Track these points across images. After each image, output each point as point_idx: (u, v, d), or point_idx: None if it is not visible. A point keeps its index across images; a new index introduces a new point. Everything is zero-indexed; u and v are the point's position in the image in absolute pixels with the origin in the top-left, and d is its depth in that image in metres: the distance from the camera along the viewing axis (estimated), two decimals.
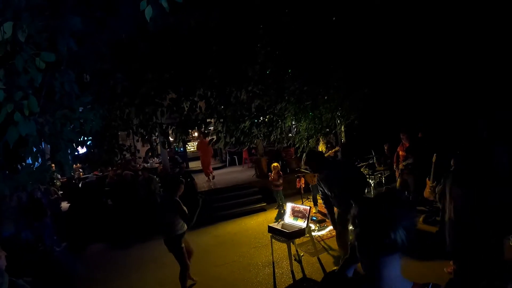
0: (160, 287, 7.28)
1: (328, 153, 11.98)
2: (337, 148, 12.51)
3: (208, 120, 8.07)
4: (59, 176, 12.79)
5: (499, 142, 6.31)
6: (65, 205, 12.48)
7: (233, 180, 14.63)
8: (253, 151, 17.43)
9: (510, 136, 7.94)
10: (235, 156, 19.36)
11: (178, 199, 6.35)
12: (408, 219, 1.58)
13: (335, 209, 6.50)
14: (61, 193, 12.41)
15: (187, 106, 7.69)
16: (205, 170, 15.85)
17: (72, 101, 4.19)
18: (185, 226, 6.39)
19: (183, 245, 6.37)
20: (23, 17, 2.65)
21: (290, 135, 12.27)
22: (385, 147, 11.09)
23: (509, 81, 9.51)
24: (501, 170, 5.66)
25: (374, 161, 11.71)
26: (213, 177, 15.65)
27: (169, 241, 6.33)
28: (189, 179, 13.28)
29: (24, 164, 4.27)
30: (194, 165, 20.49)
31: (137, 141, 7.88)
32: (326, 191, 6.40)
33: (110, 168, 12.21)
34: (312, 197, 11.43)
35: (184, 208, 6.31)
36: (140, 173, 12.74)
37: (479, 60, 9.97)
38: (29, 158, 4.00)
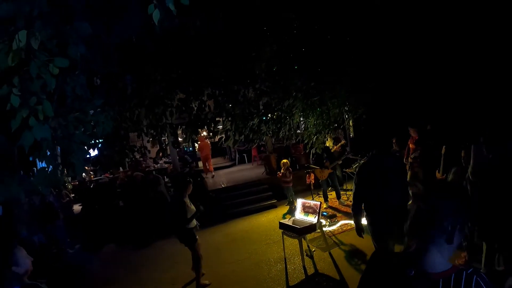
0: (171, 286, 7.34)
1: (335, 148, 12.03)
2: (343, 142, 12.53)
3: (217, 119, 8.13)
4: (69, 180, 12.93)
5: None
6: (77, 207, 12.63)
7: (243, 178, 14.68)
8: (262, 148, 17.48)
9: None
10: (244, 154, 19.40)
11: (186, 199, 6.58)
12: (464, 214, 1.73)
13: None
14: (72, 196, 12.57)
15: (195, 106, 7.75)
16: (204, 168, 16.01)
17: (84, 104, 4.28)
18: (194, 222, 6.67)
19: (197, 237, 6.63)
20: (36, 25, 2.73)
21: (298, 131, 12.28)
22: (393, 141, 11.07)
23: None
24: None
25: None
26: (213, 176, 15.76)
27: (182, 234, 6.58)
28: (199, 179, 13.37)
29: (35, 168, 4.36)
30: None
31: (148, 141, 7.97)
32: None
33: (121, 170, 12.33)
34: (323, 192, 11.52)
35: (192, 207, 6.59)
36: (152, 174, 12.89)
37: (488, 55, 9.91)
38: (43, 161, 4.08)
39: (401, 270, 1.75)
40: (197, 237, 6.68)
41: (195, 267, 6.80)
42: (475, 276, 1.64)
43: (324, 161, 10.79)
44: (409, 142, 9.69)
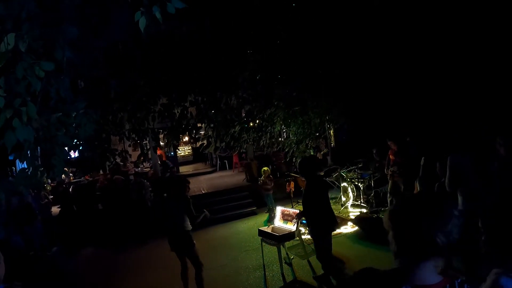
0: None
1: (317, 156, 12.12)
2: (325, 150, 12.61)
3: (198, 125, 8.16)
4: (49, 181, 12.77)
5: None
6: (55, 209, 12.47)
7: (224, 185, 14.70)
8: (243, 155, 17.52)
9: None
10: (226, 161, 19.41)
11: (188, 197, 6.45)
12: (448, 224, 1.65)
13: None
14: (51, 198, 12.41)
15: (178, 112, 7.78)
16: None
17: (67, 107, 4.28)
18: (190, 226, 6.46)
19: (194, 241, 6.40)
20: (23, 28, 2.76)
21: (280, 139, 12.37)
22: (374, 151, 11.22)
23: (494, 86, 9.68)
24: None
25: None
26: None
27: (180, 237, 6.32)
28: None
29: (14, 168, 4.35)
30: (185, 169, 20.55)
31: (129, 145, 7.96)
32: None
33: (100, 173, 12.24)
34: None
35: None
36: (131, 177, 12.80)
37: (466, 65, 10.12)
38: (24, 162, 4.07)
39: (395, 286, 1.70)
40: (194, 241, 6.42)
41: (197, 278, 6.41)
42: (466, 285, 1.67)
43: None
44: (389, 153, 9.85)
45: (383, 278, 1.78)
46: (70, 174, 15.15)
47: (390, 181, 9.88)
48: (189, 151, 24.03)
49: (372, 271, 1.85)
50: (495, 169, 5.43)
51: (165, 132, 7.93)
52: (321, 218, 6.10)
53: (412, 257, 1.69)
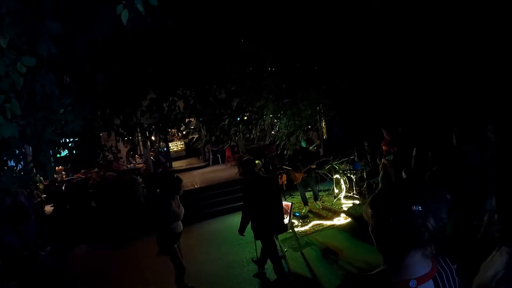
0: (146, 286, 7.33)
1: (309, 149, 12.09)
2: (318, 142, 12.59)
3: (189, 119, 8.12)
4: (41, 179, 12.70)
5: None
6: (48, 208, 12.41)
7: (217, 179, 14.67)
8: (235, 149, 17.51)
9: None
10: (218, 155, 19.38)
11: (176, 201, 6.31)
12: (440, 211, 1.54)
13: None
14: (44, 196, 12.35)
15: (167, 106, 7.73)
16: None
17: (53, 103, 4.24)
18: (180, 227, 6.37)
19: (175, 245, 6.27)
20: (4, 23, 2.72)
21: (273, 132, 12.35)
22: (365, 143, 11.24)
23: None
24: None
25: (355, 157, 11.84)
26: None
27: (161, 240, 6.24)
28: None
29: (6, 167, 4.30)
30: (178, 164, 20.50)
31: (118, 141, 7.88)
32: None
33: (93, 170, 12.19)
34: (301, 196, 11.02)
35: (177, 210, 6.24)
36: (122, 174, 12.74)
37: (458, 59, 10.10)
38: (12, 160, 4.04)
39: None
40: (175, 245, 6.27)
41: (177, 279, 6.47)
42: (448, 259, 1.68)
43: (298, 163, 10.56)
44: (382, 144, 9.86)
45: (369, 284, 1.64)
46: (63, 172, 15.07)
47: (381, 171, 9.90)
48: (181, 146, 23.96)
49: (356, 280, 1.70)
50: (488, 157, 5.44)
51: (153, 127, 7.87)
52: (263, 220, 6.17)
53: (398, 249, 1.58)
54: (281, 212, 6.34)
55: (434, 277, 1.59)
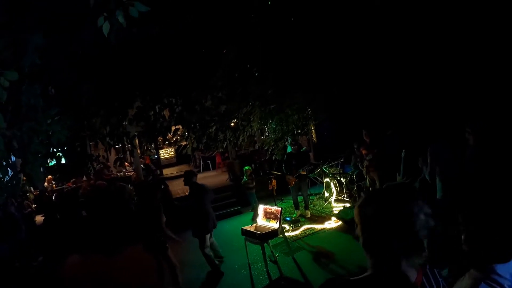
0: None
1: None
2: (304, 148, 12.58)
3: (176, 127, 8.13)
4: (32, 189, 12.61)
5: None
6: (39, 218, 12.31)
7: (207, 185, 14.61)
8: (226, 155, 17.50)
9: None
10: (209, 161, 19.36)
11: (158, 204, 6.52)
12: (432, 217, 1.49)
13: None
14: (34, 206, 12.25)
15: (152, 115, 7.73)
16: None
17: (38, 114, 4.25)
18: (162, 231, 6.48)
19: (167, 245, 6.47)
20: None
21: (262, 137, 12.35)
22: (355, 146, 11.25)
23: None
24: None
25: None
26: None
27: (151, 243, 6.41)
28: (163, 186, 13.24)
29: None
30: (169, 171, 20.41)
31: (105, 150, 7.88)
32: None
33: (83, 179, 12.13)
34: (292, 200, 10.93)
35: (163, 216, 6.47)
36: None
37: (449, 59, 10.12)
38: None
39: None
40: (167, 244, 6.49)
41: (173, 279, 6.60)
42: (436, 271, 1.66)
43: (292, 167, 10.38)
44: (361, 148, 9.85)
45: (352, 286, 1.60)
46: (53, 182, 14.96)
47: (366, 177, 9.91)
48: (172, 153, 23.88)
49: (336, 284, 1.66)
50: (467, 159, 5.48)
51: (140, 136, 7.91)
52: (199, 220, 7.50)
53: (382, 255, 1.55)
54: (206, 215, 7.62)
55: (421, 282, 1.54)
